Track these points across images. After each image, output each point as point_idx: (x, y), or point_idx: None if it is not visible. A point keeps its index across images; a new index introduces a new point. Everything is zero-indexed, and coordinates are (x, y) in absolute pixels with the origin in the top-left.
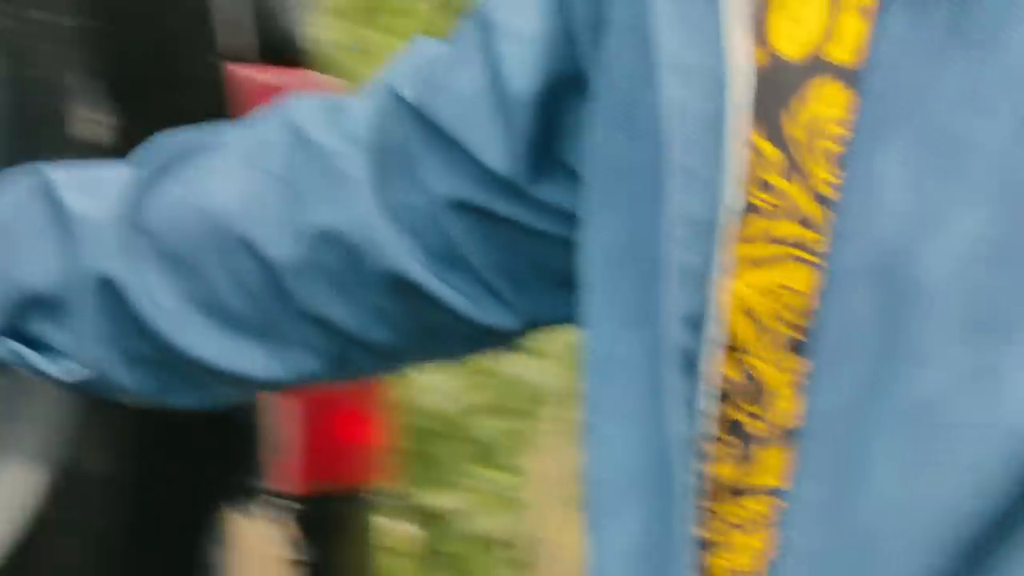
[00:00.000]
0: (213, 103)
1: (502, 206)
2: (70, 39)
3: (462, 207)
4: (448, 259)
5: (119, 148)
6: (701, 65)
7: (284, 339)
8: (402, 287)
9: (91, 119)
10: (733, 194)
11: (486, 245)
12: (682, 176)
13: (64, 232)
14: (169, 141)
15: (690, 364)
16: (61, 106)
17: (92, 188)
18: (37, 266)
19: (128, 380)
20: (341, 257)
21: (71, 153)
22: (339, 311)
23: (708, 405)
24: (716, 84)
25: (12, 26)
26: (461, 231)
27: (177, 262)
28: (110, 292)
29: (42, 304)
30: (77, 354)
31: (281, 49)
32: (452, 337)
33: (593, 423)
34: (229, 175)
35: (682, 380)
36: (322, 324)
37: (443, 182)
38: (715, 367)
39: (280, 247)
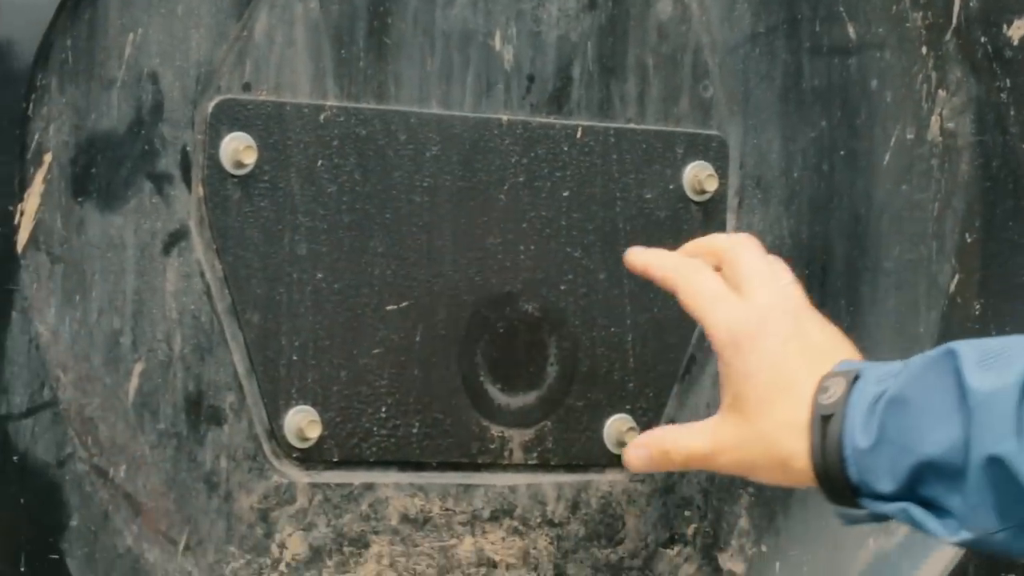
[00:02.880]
0: None
1: None
2: None
3: None
4: None
5: None
6: None
7: None
8: None
9: None
10: None
11: None
12: None
13: (964, 410)
14: None
15: None
16: None
17: (995, 364)
18: (936, 437)
19: (1016, 545)
20: None
21: None
22: None
23: None
24: None
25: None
26: None
27: None
28: (1000, 467)
29: (937, 470)
30: (965, 517)
31: None
32: None
33: None
34: None
35: None
36: None
37: None
38: None
39: None
